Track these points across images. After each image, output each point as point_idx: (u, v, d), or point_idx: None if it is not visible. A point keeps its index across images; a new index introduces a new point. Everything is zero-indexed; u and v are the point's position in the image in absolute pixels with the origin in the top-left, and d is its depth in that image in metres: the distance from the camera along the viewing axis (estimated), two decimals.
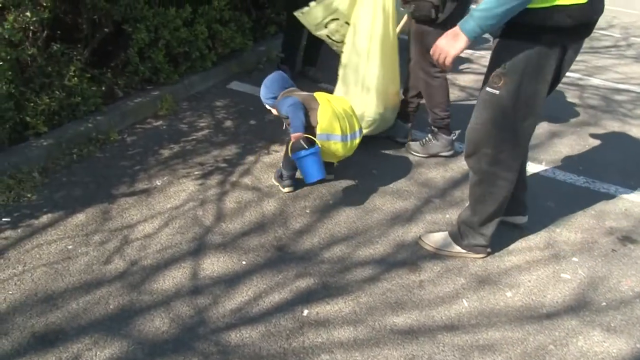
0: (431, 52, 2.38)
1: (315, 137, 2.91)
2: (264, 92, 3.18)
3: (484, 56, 6.17)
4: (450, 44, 2.28)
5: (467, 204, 2.79)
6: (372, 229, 2.98)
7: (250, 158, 3.52)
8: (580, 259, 2.93)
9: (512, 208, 3.00)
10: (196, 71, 4.46)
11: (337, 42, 3.66)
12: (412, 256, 2.80)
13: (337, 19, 3.56)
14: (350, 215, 3.07)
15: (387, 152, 3.78)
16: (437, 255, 2.82)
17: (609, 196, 3.54)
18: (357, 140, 3.07)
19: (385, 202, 3.22)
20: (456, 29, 2.25)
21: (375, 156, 3.71)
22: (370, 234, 2.93)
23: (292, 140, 2.92)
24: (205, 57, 4.47)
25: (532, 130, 2.54)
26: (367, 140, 3.86)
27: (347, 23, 3.50)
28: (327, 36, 3.67)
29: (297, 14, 3.62)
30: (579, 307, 2.60)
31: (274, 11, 5.45)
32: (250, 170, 3.38)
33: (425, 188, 3.41)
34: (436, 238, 2.86)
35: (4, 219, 2.77)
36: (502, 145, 2.48)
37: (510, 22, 2.17)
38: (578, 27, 2.21)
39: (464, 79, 5.36)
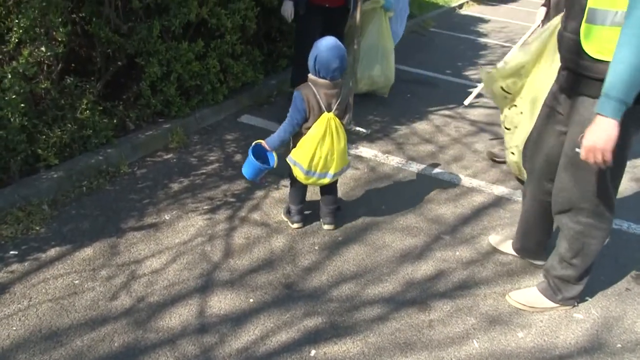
0: (583, 157, 2.19)
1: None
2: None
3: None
4: (600, 138, 2.10)
5: (553, 259, 2.74)
6: (381, 267, 2.95)
7: (259, 193, 3.51)
8: (593, 298, 2.89)
9: (537, 251, 3.04)
10: (208, 104, 4.49)
11: (508, 93, 3.76)
12: (422, 295, 2.77)
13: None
14: (359, 252, 3.05)
15: (395, 187, 3.77)
16: (447, 294, 2.78)
17: (622, 233, 3.50)
18: (326, 180, 2.98)
19: (394, 238, 3.20)
20: (596, 120, 2.09)
21: (384, 192, 3.70)
22: (379, 272, 2.90)
23: (260, 142, 2.95)
24: (216, 90, 4.51)
25: (622, 177, 2.51)
26: (376, 176, 3.86)
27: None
28: (501, 87, 3.78)
29: (483, 72, 3.84)
30: (593, 348, 2.55)
31: (286, 45, 5.49)
32: (259, 206, 3.37)
33: (434, 224, 3.38)
34: (527, 296, 2.80)
35: (11, 252, 2.77)
36: (597, 199, 2.46)
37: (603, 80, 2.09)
38: None
39: (474, 113, 5.36)
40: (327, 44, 2.78)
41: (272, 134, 2.95)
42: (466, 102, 4.88)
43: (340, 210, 3.33)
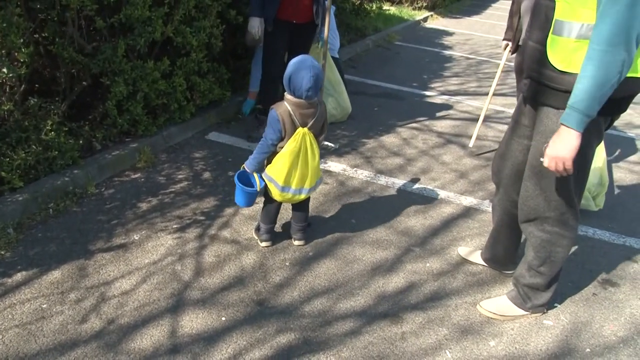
0: (546, 165, 2.26)
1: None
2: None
3: (460, 101, 6.29)
4: (563, 148, 2.17)
5: (522, 267, 2.77)
6: (353, 281, 2.96)
7: (229, 210, 3.49)
8: (562, 304, 2.94)
9: (506, 260, 3.09)
10: (175, 122, 4.47)
11: None
12: (394, 307, 2.78)
13: None
14: (330, 267, 3.06)
15: (365, 201, 3.79)
16: (418, 305, 2.80)
17: (587, 239, 3.58)
18: (302, 196, 3.01)
19: (365, 252, 3.21)
20: (560, 130, 2.17)
21: (353, 206, 3.72)
22: (351, 286, 2.91)
23: (243, 168, 2.99)
24: (183, 108, 4.49)
25: (585, 186, 2.56)
26: (345, 190, 3.88)
27: None
28: None
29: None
30: (563, 354, 2.59)
31: (252, 61, 5.50)
32: (229, 223, 3.36)
33: (404, 237, 3.41)
34: (498, 305, 2.83)
35: None
36: (562, 207, 2.51)
37: (569, 92, 2.15)
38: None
39: (441, 125, 5.43)
40: (300, 63, 2.77)
41: (249, 156, 2.95)
42: (470, 144, 4.91)
43: (310, 226, 3.34)
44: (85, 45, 3.73)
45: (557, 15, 2.22)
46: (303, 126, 2.84)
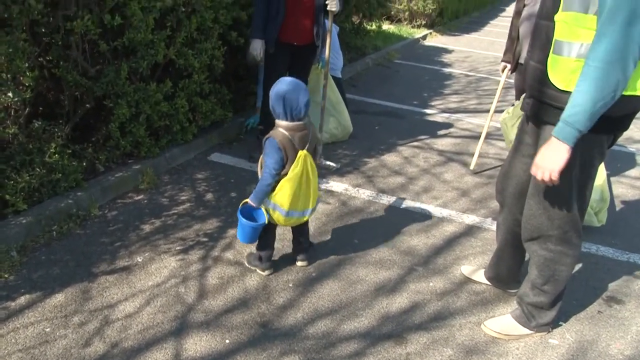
0: (532, 173, 2.32)
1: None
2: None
3: (460, 119, 6.32)
4: (551, 159, 2.22)
5: (526, 286, 2.77)
6: (356, 302, 2.95)
7: (232, 232, 3.50)
8: (567, 322, 2.94)
9: (509, 279, 3.09)
10: (177, 144, 4.49)
11: None
12: (398, 328, 2.78)
13: None
14: (334, 287, 3.05)
15: (367, 221, 3.80)
16: (422, 326, 2.80)
17: (590, 256, 3.58)
18: (306, 218, 3.03)
19: (368, 272, 3.21)
20: (551, 141, 2.21)
21: (356, 226, 3.72)
22: (355, 307, 2.91)
23: (247, 201, 2.93)
24: (186, 129, 4.52)
25: (588, 204, 2.57)
26: (347, 210, 3.89)
27: None
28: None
29: (502, 118, 3.97)
30: None
31: (253, 82, 5.55)
32: (232, 245, 3.36)
33: (407, 256, 3.41)
34: (501, 324, 2.82)
35: None
36: (566, 226, 2.52)
37: None
38: None
39: (442, 143, 5.45)
40: (288, 84, 2.79)
41: (254, 190, 2.91)
42: (472, 166, 4.92)
43: (313, 246, 3.34)
44: (89, 68, 3.76)
45: (557, 35, 2.25)
46: (302, 149, 2.85)
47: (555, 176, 2.23)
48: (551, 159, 2.21)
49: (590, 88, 2.07)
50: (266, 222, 2.92)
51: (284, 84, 2.81)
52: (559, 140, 2.18)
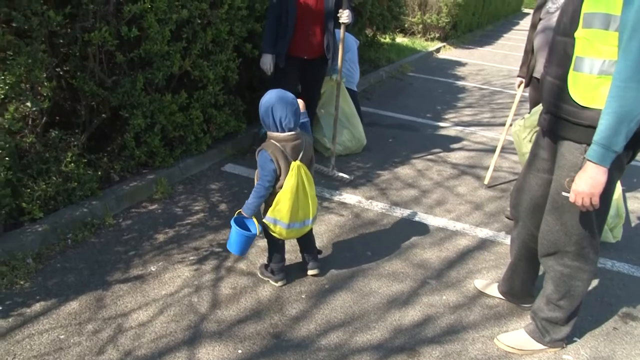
0: (572, 200, 2.29)
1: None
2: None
3: (474, 132, 6.31)
4: (589, 183, 2.20)
5: (540, 301, 2.75)
6: (369, 314, 2.95)
7: None
8: (582, 338, 2.91)
9: (523, 294, 3.07)
10: (191, 154, 4.53)
11: None
12: (410, 341, 2.77)
13: None
14: (347, 299, 3.05)
15: (380, 233, 3.79)
16: (435, 339, 2.79)
17: (605, 271, 3.55)
18: (307, 228, 3.02)
19: (381, 285, 3.21)
20: (586, 166, 2.19)
21: (369, 238, 3.72)
22: (367, 319, 2.90)
23: (239, 213, 2.92)
24: (200, 140, 4.55)
25: (606, 219, 2.56)
26: (360, 222, 3.89)
27: None
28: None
29: (514, 129, 3.98)
30: None
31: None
32: (245, 255, 3.37)
33: (420, 269, 3.40)
34: (516, 339, 2.81)
35: None
36: (583, 242, 2.51)
37: (591, 126, 2.20)
38: None
39: (456, 156, 5.45)
40: (276, 96, 2.79)
41: (246, 201, 2.91)
42: (486, 181, 4.88)
43: (322, 253, 3.34)
44: (106, 79, 3.81)
45: (578, 52, 2.25)
46: (295, 159, 2.83)
47: (596, 200, 2.22)
48: (590, 183, 2.19)
49: (620, 108, 2.07)
50: (257, 233, 2.92)
51: (271, 95, 2.81)
52: (595, 163, 2.16)
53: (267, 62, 4.39)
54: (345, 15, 4.28)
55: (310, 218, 2.98)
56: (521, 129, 3.95)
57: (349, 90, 5.33)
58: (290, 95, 2.83)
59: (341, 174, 4.64)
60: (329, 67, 4.68)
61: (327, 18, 4.37)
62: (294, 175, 2.80)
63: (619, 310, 3.17)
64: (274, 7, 4.33)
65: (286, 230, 2.91)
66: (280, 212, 2.86)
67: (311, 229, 3.15)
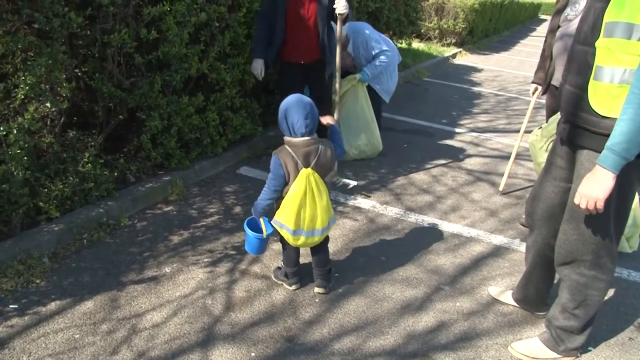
0: (577, 202, 2.30)
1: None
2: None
3: (489, 138, 6.28)
4: (596, 187, 2.20)
5: (555, 309, 2.73)
6: (382, 319, 2.94)
7: None
8: (597, 348, 2.88)
9: (538, 301, 3.06)
10: (207, 156, 4.55)
11: None
12: (424, 347, 2.76)
13: None
14: (360, 304, 3.05)
15: (394, 238, 3.79)
16: (448, 345, 2.77)
17: (622, 281, 3.51)
18: (315, 238, 2.92)
19: (394, 290, 3.20)
20: (596, 169, 2.19)
21: (383, 243, 3.71)
22: (381, 324, 2.90)
23: (252, 216, 2.96)
24: (216, 143, 4.57)
25: (624, 229, 2.55)
26: (375, 227, 3.89)
27: None
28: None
29: (530, 139, 3.96)
30: None
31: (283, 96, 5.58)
32: (260, 258, 3.38)
33: (434, 275, 3.39)
34: (529, 347, 2.79)
35: (11, 306, 2.76)
36: (600, 251, 2.49)
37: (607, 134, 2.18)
38: None
39: (471, 162, 5.43)
40: (291, 101, 2.80)
41: (255, 202, 2.93)
42: (500, 187, 4.82)
43: (332, 272, 3.23)
44: (124, 80, 3.84)
45: (598, 61, 2.23)
46: (306, 166, 2.80)
47: (600, 205, 2.21)
48: (597, 187, 2.19)
49: (635, 115, 2.05)
50: (264, 235, 2.93)
51: (288, 99, 2.83)
52: (604, 168, 2.16)
53: (258, 67, 4.41)
54: (341, 5, 4.05)
55: (319, 229, 2.90)
56: (538, 138, 3.93)
57: (375, 94, 5.32)
58: (306, 100, 2.83)
59: (345, 180, 4.63)
60: (328, 68, 4.59)
61: (320, 20, 4.32)
62: (302, 183, 2.78)
63: (634, 320, 3.14)
64: (263, 12, 4.33)
65: (292, 237, 2.89)
66: (285, 217, 2.84)
67: (326, 242, 3.11)
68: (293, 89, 4.25)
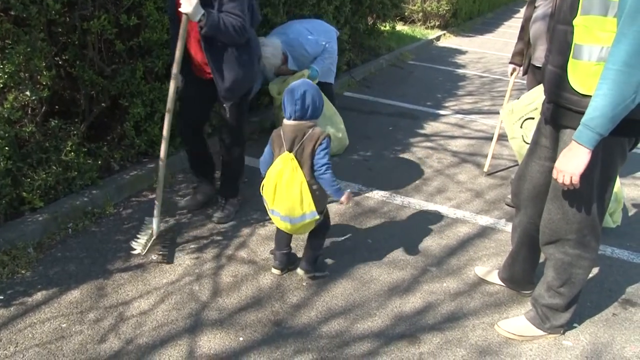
0: (554, 177, 2.34)
1: None
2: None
3: (474, 120, 6.30)
4: (572, 162, 2.23)
5: (541, 287, 2.76)
6: (370, 301, 2.95)
7: (246, 230, 3.52)
8: (582, 324, 2.92)
9: (524, 280, 3.09)
10: None
11: (527, 143, 3.77)
12: (411, 328, 2.78)
13: (533, 119, 3.76)
14: (347, 287, 3.06)
15: (381, 221, 3.80)
16: (436, 326, 2.80)
17: (605, 258, 3.55)
18: (289, 226, 2.87)
19: (381, 272, 3.21)
20: (572, 145, 2.22)
21: (370, 226, 3.72)
22: (368, 307, 2.91)
23: None
24: None
25: (607, 207, 2.56)
26: (361, 210, 3.89)
27: None
28: (522, 138, 3.89)
29: (503, 113, 3.95)
30: None
31: (267, 82, 5.55)
32: (246, 243, 3.38)
33: (421, 257, 3.41)
34: (516, 325, 2.82)
35: None
36: (584, 229, 2.51)
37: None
38: None
39: (456, 144, 5.44)
40: (293, 84, 2.83)
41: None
42: (485, 168, 4.84)
43: (318, 260, 3.18)
44: (105, 67, 3.80)
45: (577, 39, 2.24)
46: (289, 150, 2.79)
47: (576, 180, 2.24)
48: (572, 162, 2.21)
49: (610, 91, 2.06)
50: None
51: (293, 82, 2.86)
52: (579, 144, 2.18)
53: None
54: (185, 4, 2.97)
55: (296, 217, 2.82)
56: (508, 112, 3.93)
57: (325, 83, 5.04)
58: (301, 85, 2.82)
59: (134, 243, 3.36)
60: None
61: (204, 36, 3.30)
62: (280, 163, 2.79)
63: (618, 297, 3.18)
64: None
65: (272, 216, 2.93)
66: (265, 191, 2.88)
67: (319, 232, 3.07)
68: (188, 103, 3.69)
